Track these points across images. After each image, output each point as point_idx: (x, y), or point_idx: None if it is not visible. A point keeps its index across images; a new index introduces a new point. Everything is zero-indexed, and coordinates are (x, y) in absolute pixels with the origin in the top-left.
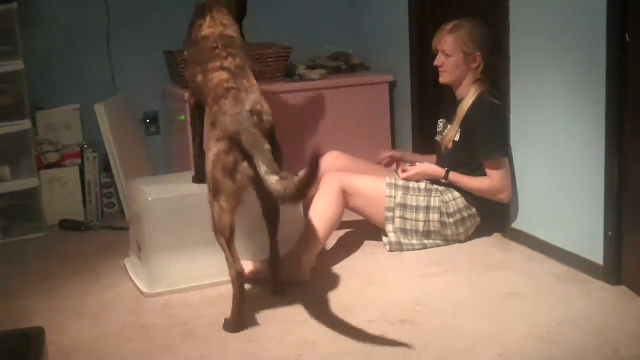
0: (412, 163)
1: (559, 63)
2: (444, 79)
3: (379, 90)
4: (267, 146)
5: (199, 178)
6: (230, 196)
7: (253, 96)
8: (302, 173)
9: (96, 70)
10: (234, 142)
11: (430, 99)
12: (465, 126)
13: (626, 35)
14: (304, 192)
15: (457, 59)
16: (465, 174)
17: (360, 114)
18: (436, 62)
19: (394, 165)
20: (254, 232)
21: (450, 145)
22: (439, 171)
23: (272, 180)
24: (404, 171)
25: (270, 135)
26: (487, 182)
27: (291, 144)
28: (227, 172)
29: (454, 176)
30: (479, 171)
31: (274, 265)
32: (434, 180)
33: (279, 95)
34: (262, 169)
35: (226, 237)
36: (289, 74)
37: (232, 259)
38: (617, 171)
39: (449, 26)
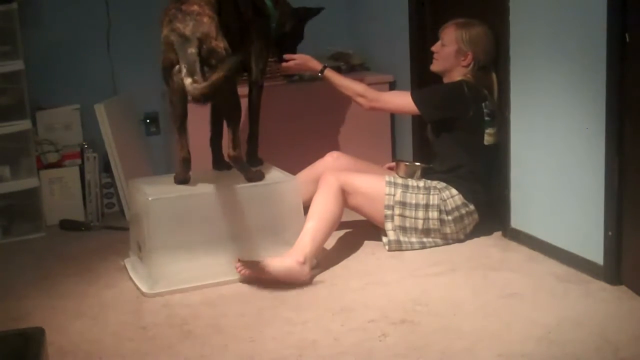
0: (412, 162)
1: (559, 63)
2: (434, 66)
3: (379, 90)
4: (192, 50)
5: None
6: (175, 92)
7: (191, 12)
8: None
9: (96, 70)
10: (168, 45)
11: None
12: None
13: (626, 35)
14: (209, 90)
15: (449, 50)
16: (451, 168)
17: (360, 114)
18: (433, 47)
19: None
20: (254, 233)
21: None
22: (316, 64)
23: (187, 82)
24: (283, 64)
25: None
26: (363, 87)
27: (291, 144)
28: (166, 73)
29: (329, 72)
30: (464, 165)
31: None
32: (432, 177)
33: (279, 96)
34: (183, 71)
35: (177, 125)
36: (289, 74)
37: (180, 145)
38: (617, 171)
39: (461, 20)
